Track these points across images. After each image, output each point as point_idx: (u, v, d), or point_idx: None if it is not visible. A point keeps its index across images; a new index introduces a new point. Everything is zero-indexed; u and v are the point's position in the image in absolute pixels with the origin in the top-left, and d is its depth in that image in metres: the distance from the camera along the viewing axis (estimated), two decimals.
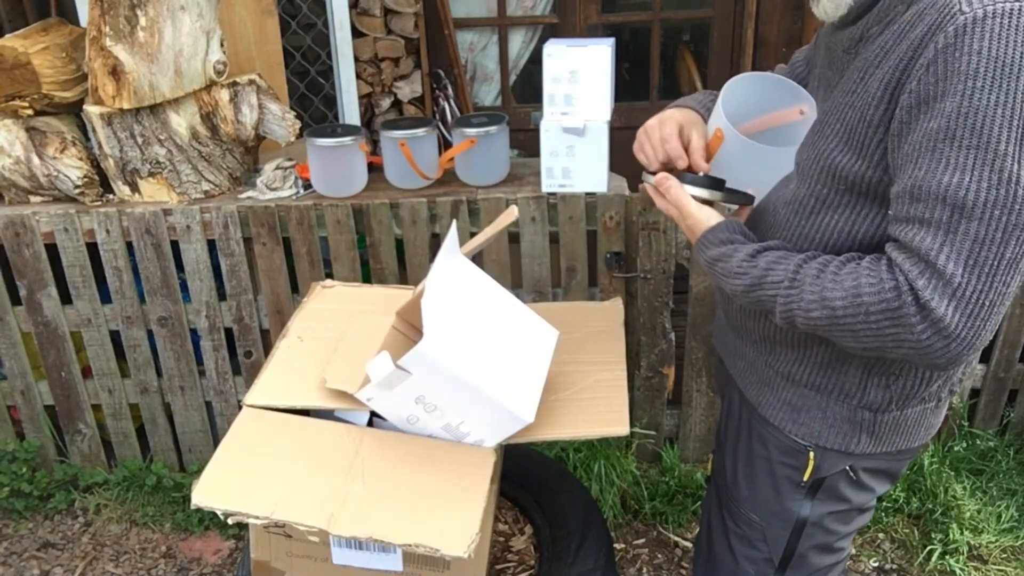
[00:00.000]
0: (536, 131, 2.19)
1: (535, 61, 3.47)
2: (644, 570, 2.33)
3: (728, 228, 1.20)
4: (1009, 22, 0.90)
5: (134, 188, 2.29)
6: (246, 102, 2.29)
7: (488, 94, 3.56)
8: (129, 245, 2.30)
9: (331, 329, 1.61)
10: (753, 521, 1.37)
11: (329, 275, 2.36)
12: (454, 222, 1.54)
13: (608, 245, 2.30)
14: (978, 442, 2.51)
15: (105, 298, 2.38)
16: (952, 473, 2.44)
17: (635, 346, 2.41)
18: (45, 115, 2.28)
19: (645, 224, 2.25)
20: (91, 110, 2.17)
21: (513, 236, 2.31)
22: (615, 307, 1.75)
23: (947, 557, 2.26)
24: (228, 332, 2.43)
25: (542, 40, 3.34)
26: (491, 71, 3.52)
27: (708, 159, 1.33)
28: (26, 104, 2.23)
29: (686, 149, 1.34)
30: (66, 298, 2.37)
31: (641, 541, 2.41)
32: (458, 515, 1.26)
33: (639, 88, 3.53)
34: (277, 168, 2.33)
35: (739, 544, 1.41)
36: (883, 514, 2.40)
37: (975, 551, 2.29)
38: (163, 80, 2.15)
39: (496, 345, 1.37)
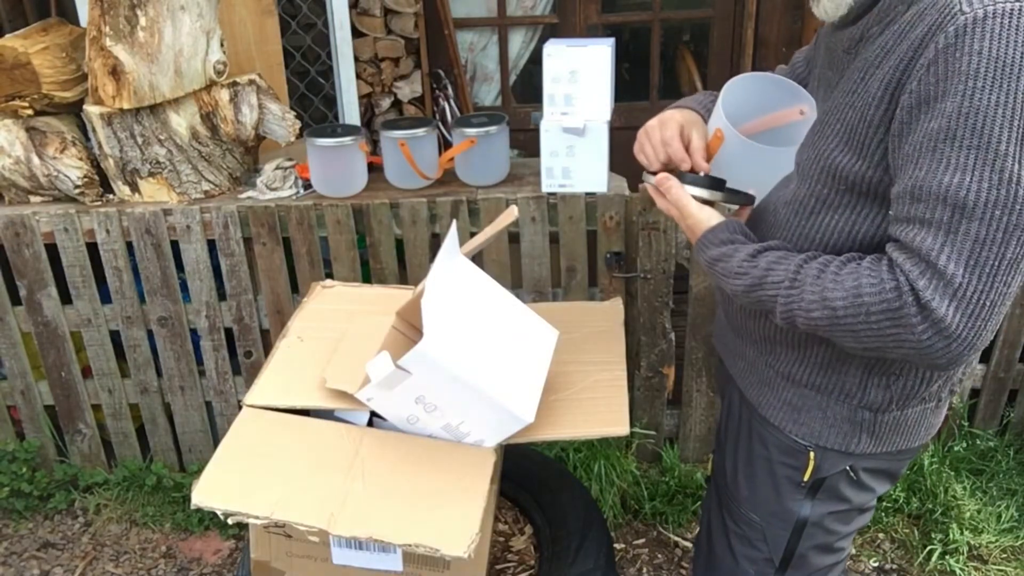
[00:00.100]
0: (536, 131, 2.19)
1: (535, 61, 3.47)
2: (644, 570, 2.33)
3: (728, 228, 1.20)
4: (1009, 22, 0.90)
5: (134, 188, 2.29)
6: (246, 102, 2.29)
7: (488, 94, 3.56)
8: (129, 245, 2.30)
9: (331, 329, 1.61)
10: (753, 521, 1.37)
11: (329, 275, 2.36)
12: (454, 222, 1.54)
13: (608, 245, 2.30)
14: (978, 442, 2.51)
15: (105, 298, 2.38)
16: (952, 473, 2.44)
17: (635, 346, 2.41)
18: (45, 115, 2.28)
19: (645, 224, 2.25)
20: (91, 110, 2.17)
21: (513, 236, 2.31)
22: (615, 307, 1.75)
23: (947, 557, 2.26)
24: (228, 332, 2.43)
25: (542, 40, 3.34)
26: (491, 71, 3.52)
27: (708, 159, 1.33)
28: (26, 104, 2.23)
29: (686, 149, 1.34)
30: (66, 298, 2.37)
31: (641, 541, 2.41)
32: (458, 515, 1.26)
33: (639, 88, 3.53)
34: (277, 168, 2.33)
35: (739, 544, 1.41)
36: (883, 514, 2.40)
37: (975, 551, 2.29)
38: (163, 80, 2.15)
39: (496, 345, 1.37)
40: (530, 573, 1.82)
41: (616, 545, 2.37)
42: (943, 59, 0.93)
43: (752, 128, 1.38)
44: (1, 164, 2.23)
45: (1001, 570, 2.25)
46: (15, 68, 2.17)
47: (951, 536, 2.29)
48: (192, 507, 1.26)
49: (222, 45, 2.25)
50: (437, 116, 3.28)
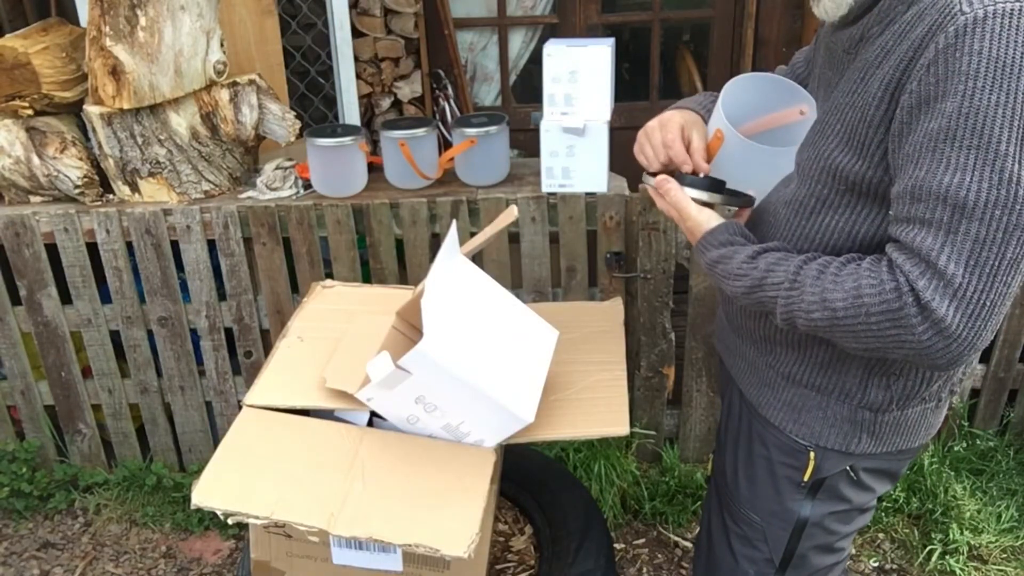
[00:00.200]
0: (536, 131, 2.19)
1: (535, 61, 3.47)
2: (644, 570, 2.33)
3: (728, 230, 1.20)
4: (1009, 22, 0.90)
5: (134, 188, 2.29)
6: (246, 102, 2.29)
7: (488, 94, 3.56)
8: (129, 245, 2.30)
9: (331, 329, 1.61)
10: (753, 521, 1.37)
11: (329, 275, 2.36)
12: (454, 222, 1.54)
13: (608, 245, 2.30)
14: (978, 442, 2.51)
15: (105, 298, 2.38)
16: (952, 473, 2.44)
17: (635, 346, 2.41)
18: (45, 115, 2.28)
19: (645, 224, 2.25)
20: (91, 110, 2.17)
21: (513, 236, 2.31)
22: (615, 307, 1.75)
23: (947, 557, 2.26)
24: (228, 332, 2.43)
25: (542, 40, 3.34)
26: (491, 71, 3.52)
27: (708, 160, 1.33)
28: (26, 104, 2.23)
29: (686, 150, 1.34)
30: (66, 298, 2.37)
31: (641, 541, 2.41)
32: (458, 515, 1.26)
33: (639, 88, 3.53)
34: (277, 168, 2.33)
35: (739, 544, 1.41)
36: (883, 514, 2.40)
37: (975, 551, 2.29)
38: (163, 80, 2.15)
39: (496, 345, 1.37)
40: (530, 573, 1.82)
41: (616, 545, 2.37)
42: (943, 59, 0.93)
43: (752, 128, 1.38)
44: (1, 164, 2.23)
45: (1001, 570, 2.25)
46: (15, 68, 2.17)
47: (951, 536, 2.29)
48: (192, 507, 1.26)
49: (222, 45, 2.25)
50: (437, 116, 3.28)
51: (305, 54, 3.13)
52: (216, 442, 2.02)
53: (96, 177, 2.29)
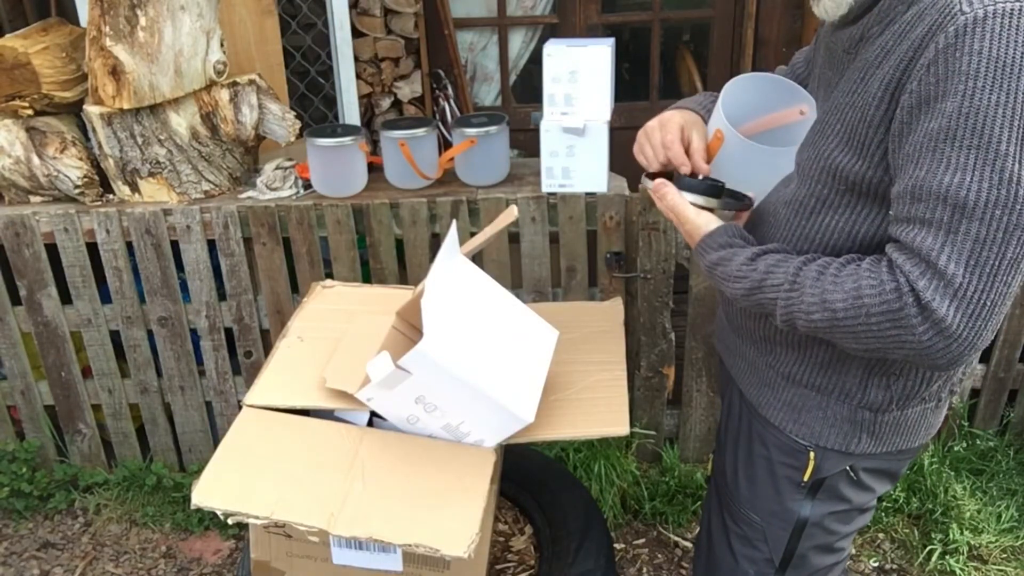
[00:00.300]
0: (536, 131, 2.19)
1: (535, 61, 3.47)
2: (644, 570, 2.33)
3: (727, 232, 1.20)
4: (1009, 22, 0.90)
5: (134, 188, 2.29)
6: (246, 102, 2.29)
7: (488, 94, 3.56)
8: (129, 245, 2.30)
9: (331, 329, 1.61)
10: (753, 521, 1.37)
11: (329, 275, 2.36)
12: (454, 222, 1.54)
13: (608, 245, 2.30)
14: (978, 442, 2.51)
15: (105, 298, 2.38)
16: (952, 473, 2.44)
17: (635, 346, 2.41)
18: (45, 115, 2.28)
19: (645, 224, 2.25)
20: (91, 110, 2.17)
21: (513, 236, 2.31)
22: (615, 307, 1.75)
23: (947, 557, 2.26)
24: (228, 332, 2.43)
25: (542, 40, 3.34)
26: (491, 71, 3.52)
27: (708, 160, 1.33)
28: (26, 104, 2.23)
29: (686, 151, 1.33)
30: (66, 298, 2.37)
31: (641, 541, 2.41)
32: (458, 515, 1.26)
33: (639, 88, 3.53)
34: (277, 168, 2.33)
35: (739, 544, 1.41)
36: (883, 514, 2.40)
37: (975, 551, 2.29)
38: (163, 80, 2.15)
39: (496, 345, 1.37)
40: (530, 573, 1.82)
41: (616, 545, 2.37)
42: (943, 59, 0.93)
43: (752, 128, 1.38)
44: (1, 164, 2.23)
45: (1001, 570, 2.25)
46: (15, 68, 2.17)
47: (951, 536, 2.29)
48: (192, 507, 1.26)
49: (222, 45, 2.25)
50: (437, 116, 3.28)
51: (305, 54, 3.13)
52: (216, 442, 2.02)
53: (96, 177, 2.29)
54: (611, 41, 2.15)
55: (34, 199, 2.33)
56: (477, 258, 2.15)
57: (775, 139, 1.35)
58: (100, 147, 2.22)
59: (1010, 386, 2.49)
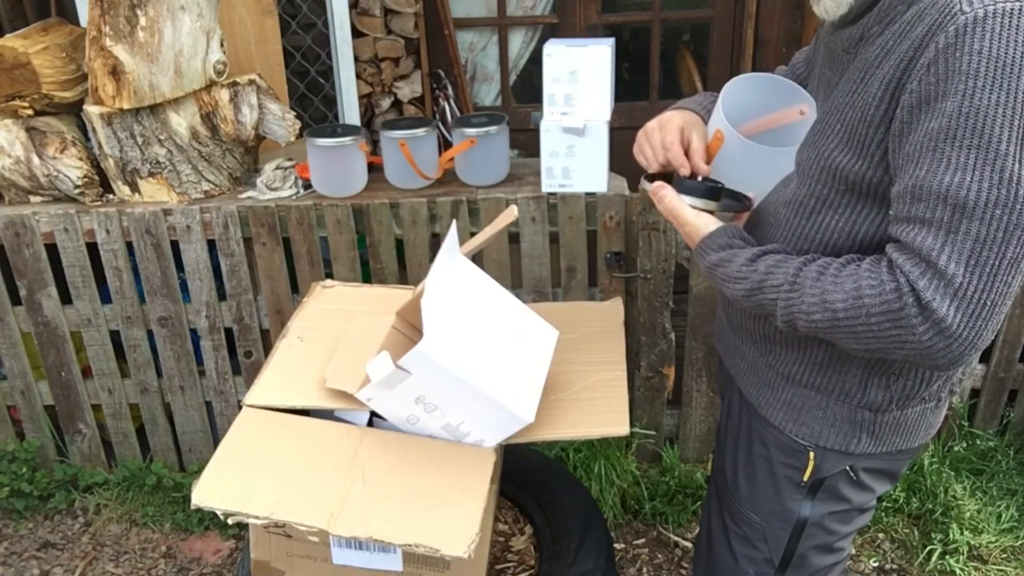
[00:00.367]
0: (536, 131, 2.19)
1: (535, 61, 3.47)
2: (644, 570, 2.33)
3: (726, 233, 1.20)
4: (1009, 22, 0.90)
5: (134, 188, 2.29)
6: (246, 102, 2.29)
7: (488, 94, 3.56)
8: (129, 245, 2.30)
9: (331, 329, 1.61)
10: (753, 521, 1.37)
11: (329, 275, 2.36)
12: (454, 222, 1.54)
13: (608, 245, 2.30)
14: (978, 442, 2.51)
15: (105, 298, 2.38)
16: (952, 473, 2.44)
17: (635, 346, 2.41)
18: (45, 115, 2.28)
19: (645, 224, 2.25)
20: (91, 110, 2.17)
21: (513, 236, 2.31)
22: (615, 307, 1.75)
23: (947, 557, 2.26)
24: (228, 332, 2.43)
25: (542, 40, 3.34)
26: (491, 71, 3.52)
27: (708, 161, 1.33)
28: (26, 104, 2.23)
29: (686, 152, 1.33)
30: (66, 298, 2.37)
31: (641, 541, 2.41)
32: (458, 515, 1.26)
33: (639, 88, 3.53)
34: (277, 168, 2.33)
35: (739, 544, 1.41)
36: (883, 514, 2.40)
37: (975, 551, 2.29)
38: (163, 80, 2.15)
39: (496, 345, 1.37)
40: (530, 573, 1.82)
41: (616, 545, 2.37)
42: (943, 59, 0.93)
43: (752, 129, 1.38)
44: (1, 164, 2.23)
45: (1001, 570, 2.25)
46: (15, 68, 2.17)
47: (951, 536, 2.29)
48: (192, 507, 1.26)
49: (222, 45, 2.25)
50: (437, 116, 3.28)
51: (305, 54, 3.13)
52: (216, 442, 2.02)
53: (96, 177, 2.29)
54: (611, 41, 2.15)
55: (34, 199, 2.33)
56: (477, 258, 2.16)
57: (775, 139, 1.35)
58: (100, 147, 2.22)
59: (1010, 386, 2.49)
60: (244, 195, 2.33)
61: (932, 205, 0.94)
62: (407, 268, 2.36)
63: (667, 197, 1.26)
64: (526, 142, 3.33)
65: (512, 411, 1.31)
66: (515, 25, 3.42)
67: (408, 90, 3.23)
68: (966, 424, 2.52)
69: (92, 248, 2.30)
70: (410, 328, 1.57)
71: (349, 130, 2.27)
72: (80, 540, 2.48)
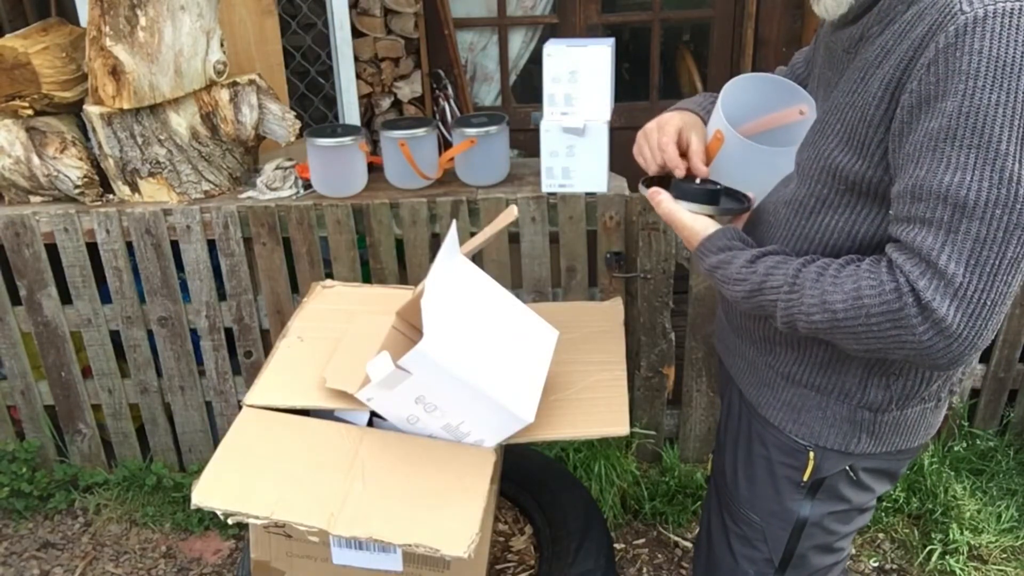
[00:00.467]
0: (536, 131, 2.19)
1: (535, 61, 3.47)
2: (644, 570, 2.33)
3: (726, 235, 1.20)
4: (1009, 22, 0.90)
5: (134, 188, 2.29)
6: (246, 102, 2.29)
7: (488, 94, 3.56)
8: (129, 245, 2.30)
9: (331, 329, 1.61)
10: (753, 521, 1.37)
11: (329, 275, 2.36)
12: (454, 222, 1.54)
13: (608, 245, 2.30)
14: (978, 442, 2.51)
15: (105, 298, 2.38)
16: (952, 473, 2.44)
17: (635, 346, 2.41)
18: (45, 115, 2.28)
19: (645, 224, 2.25)
20: (91, 110, 2.17)
21: (513, 236, 2.31)
22: (615, 307, 1.75)
23: (947, 557, 2.26)
24: (228, 332, 2.43)
25: (542, 40, 3.34)
26: (491, 71, 3.52)
27: (708, 162, 1.33)
28: (26, 104, 2.23)
29: (685, 153, 1.33)
30: (66, 298, 2.37)
31: (641, 541, 2.41)
32: (458, 515, 1.26)
33: (639, 88, 3.53)
34: (277, 168, 2.33)
35: (739, 544, 1.41)
36: (883, 514, 2.40)
37: (975, 551, 2.29)
38: (163, 80, 2.15)
39: (496, 345, 1.37)
40: (530, 573, 1.82)
41: (616, 545, 2.37)
42: (943, 59, 0.93)
43: (752, 129, 1.38)
44: (1, 164, 2.23)
45: (1001, 570, 2.25)
46: (15, 68, 2.17)
47: (951, 536, 2.29)
48: (192, 507, 1.26)
49: (222, 45, 2.25)
50: (437, 116, 3.28)
51: (305, 54, 3.13)
52: (216, 442, 2.02)
53: (96, 177, 2.29)
54: (611, 41, 2.15)
55: (34, 199, 2.33)
56: (477, 258, 2.16)
57: (775, 139, 1.35)
58: (100, 147, 2.22)
59: (1010, 386, 2.49)
60: (244, 195, 2.33)
61: (932, 205, 0.94)
62: (407, 268, 2.36)
63: (663, 202, 1.26)
64: (526, 142, 3.33)
65: (512, 411, 1.31)
66: (515, 25, 3.42)
67: (408, 90, 3.23)
68: (966, 424, 2.52)
69: (92, 248, 2.30)
70: (410, 328, 1.57)
71: (349, 130, 2.27)
72: (80, 540, 2.48)
